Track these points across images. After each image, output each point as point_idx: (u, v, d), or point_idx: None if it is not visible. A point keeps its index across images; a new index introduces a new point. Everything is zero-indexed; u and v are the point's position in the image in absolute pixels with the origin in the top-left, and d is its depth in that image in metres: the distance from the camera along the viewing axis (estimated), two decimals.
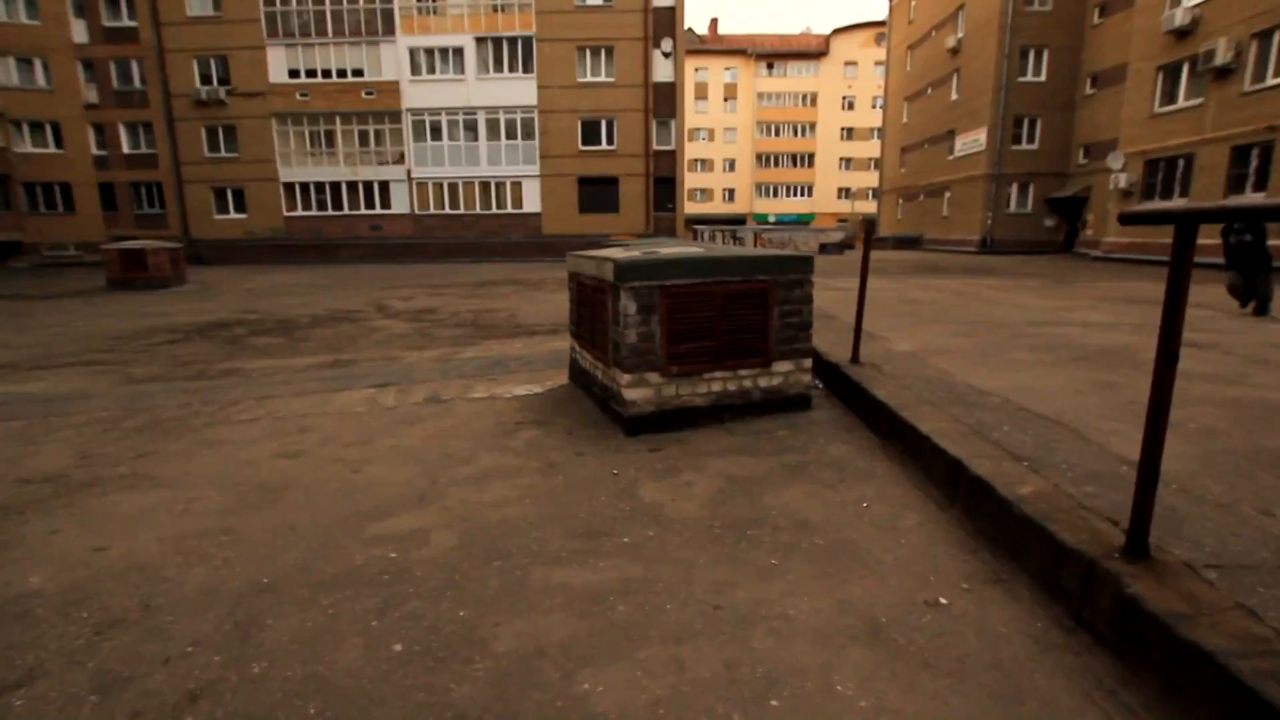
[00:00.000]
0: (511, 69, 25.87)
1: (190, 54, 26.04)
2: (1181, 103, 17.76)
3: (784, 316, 4.19)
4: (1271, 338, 5.96)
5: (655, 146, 26.96)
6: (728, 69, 59.02)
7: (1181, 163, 17.70)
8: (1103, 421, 3.37)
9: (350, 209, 27.34)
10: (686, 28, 56.79)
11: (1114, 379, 4.37)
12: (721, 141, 59.80)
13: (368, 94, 26.23)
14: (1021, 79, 25.82)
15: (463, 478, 3.37)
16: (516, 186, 27.04)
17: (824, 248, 24.78)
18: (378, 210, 27.35)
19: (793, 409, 4.33)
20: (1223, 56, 15.92)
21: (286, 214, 27.46)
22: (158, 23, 25.67)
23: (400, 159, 26.80)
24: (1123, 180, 19.35)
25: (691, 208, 52.78)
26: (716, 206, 59.89)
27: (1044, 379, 4.36)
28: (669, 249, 4.41)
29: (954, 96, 29.59)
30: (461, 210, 27.29)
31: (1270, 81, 15.20)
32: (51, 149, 26.90)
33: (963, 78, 28.77)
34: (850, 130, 59.49)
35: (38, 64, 26.13)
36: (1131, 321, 7.10)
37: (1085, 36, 25.09)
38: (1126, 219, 1.93)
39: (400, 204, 27.22)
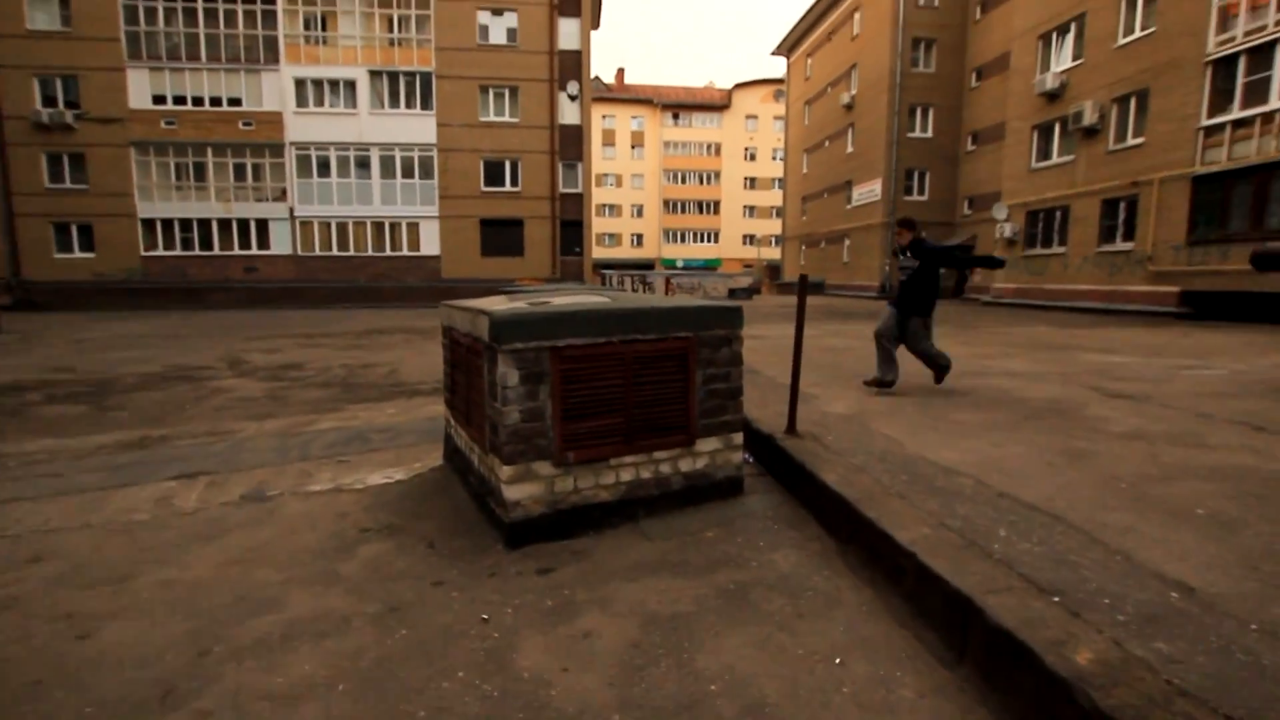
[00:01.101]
0: (409, 105, 24.71)
1: (30, 71, 23.11)
2: (1056, 159, 19.17)
3: (709, 382, 3.38)
4: (1195, 386, 5.82)
5: (562, 189, 26.42)
6: (635, 117, 60.31)
7: (1059, 214, 18.99)
8: (1104, 512, 2.74)
9: (222, 249, 24.83)
10: (593, 75, 57.70)
11: (1078, 444, 3.84)
12: (629, 187, 60.61)
13: (246, 125, 24.19)
14: (910, 134, 27.46)
15: (251, 642, 2.26)
16: (413, 227, 25.58)
17: (733, 293, 24.86)
18: (254, 251, 25.00)
19: (722, 497, 3.49)
20: (1089, 118, 17.30)
21: (145, 253, 24.56)
22: None
23: (282, 195, 24.75)
24: (1007, 229, 20.57)
25: (600, 252, 52.73)
26: (625, 251, 60.26)
27: (1005, 447, 3.77)
28: (565, 298, 3.53)
29: (850, 149, 31.14)
30: (351, 252, 25.44)
31: (1130, 142, 16.59)
32: None
33: (857, 132, 30.35)
34: (753, 180, 61.95)
35: None
36: (1055, 370, 6.88)
37: (965, 98, 27.12)
38: (1261, 261, 1.23)
39: (281, 244, 25.03)
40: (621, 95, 60.25)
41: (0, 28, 22.78)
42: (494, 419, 2.97)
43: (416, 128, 24.73)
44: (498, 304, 3.37)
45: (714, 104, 61.04)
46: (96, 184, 23.93)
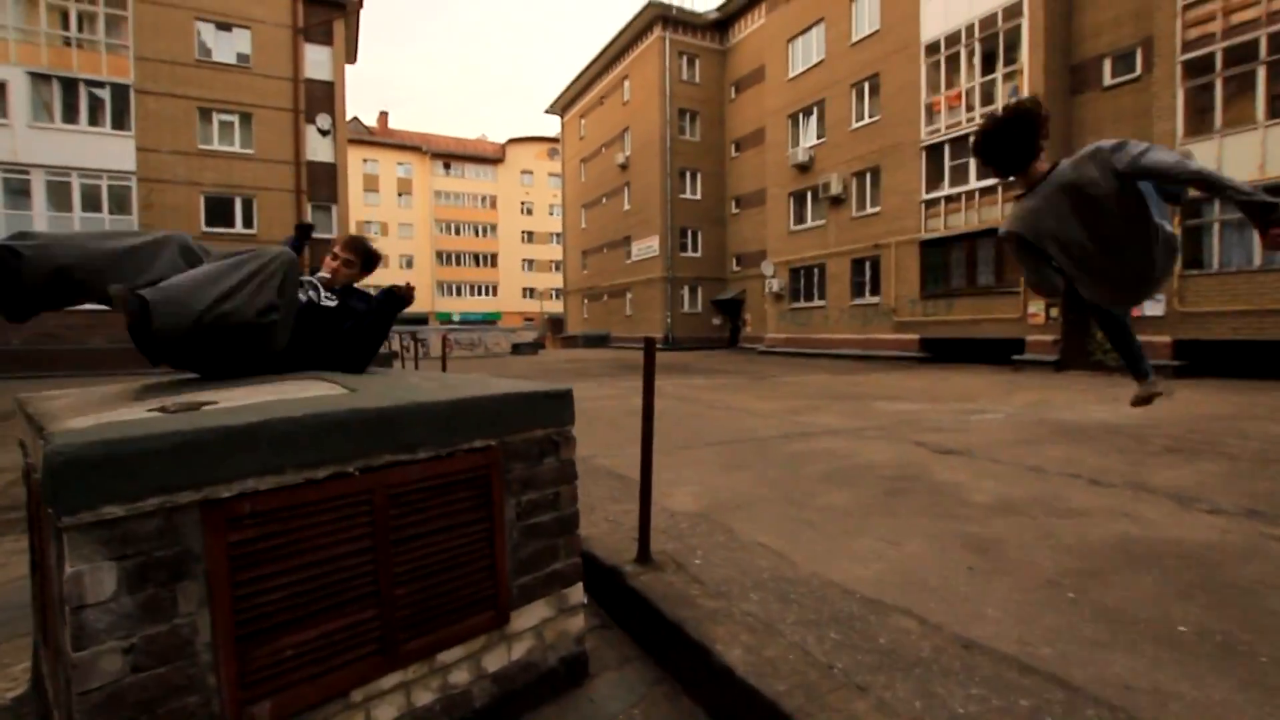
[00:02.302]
0: (94, 122, 19.82)
1: None
2: (810, 222, 21.36)
3: (527, 514, 2.08)
4: (992, 433, 5.91)
5: (315, 235, 23.14)
6: (401, 163, 57.19)
7: (816, 271, 21.06)
8: (1100, 653, 1.97)
9: None
10: (352, 117, 53.68)
11: (970, 530, 3.24)
12: (397, 236, 56.82)
13: None
14: (682, 196, 29.16)
15: None
16: None
17: (517, 348, 23.60)
18: None
19: (556, 693, 2.17)
20: (835, 189, 19.53)
21: None
22: None
23: None
24: (775, 285, 22.33)
25: None
26: (419, 305, 55.89)
27: (904, 545, 3.01)
28: (252, 391, 1.97)
29: (627, 206, 32.21)
30: None
31: (870, 210, 18.99)
32: None
33: (633, 190, 31.54)
34: (531, 234, 62.03)
35: None
36: (868, 425, 6.72)
37: (728, 165, 29.64)
38: None
39: None
40: (386, 140, 56.86)
41: None
42: (66, 672, 1.34)
43: (107, 150, 19.87)
44: (94, 407, 1.72)
45: (487, 156, 60.45)
46: None
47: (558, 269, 58.80)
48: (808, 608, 2.39)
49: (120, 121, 20.07)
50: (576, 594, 2.26)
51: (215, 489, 1.41)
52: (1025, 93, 14.49)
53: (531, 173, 61.90)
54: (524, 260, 61.72)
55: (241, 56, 21.86)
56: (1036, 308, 14.45)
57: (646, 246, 30.07)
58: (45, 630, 1.77)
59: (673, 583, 2.62)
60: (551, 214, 61.56)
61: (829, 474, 4.53)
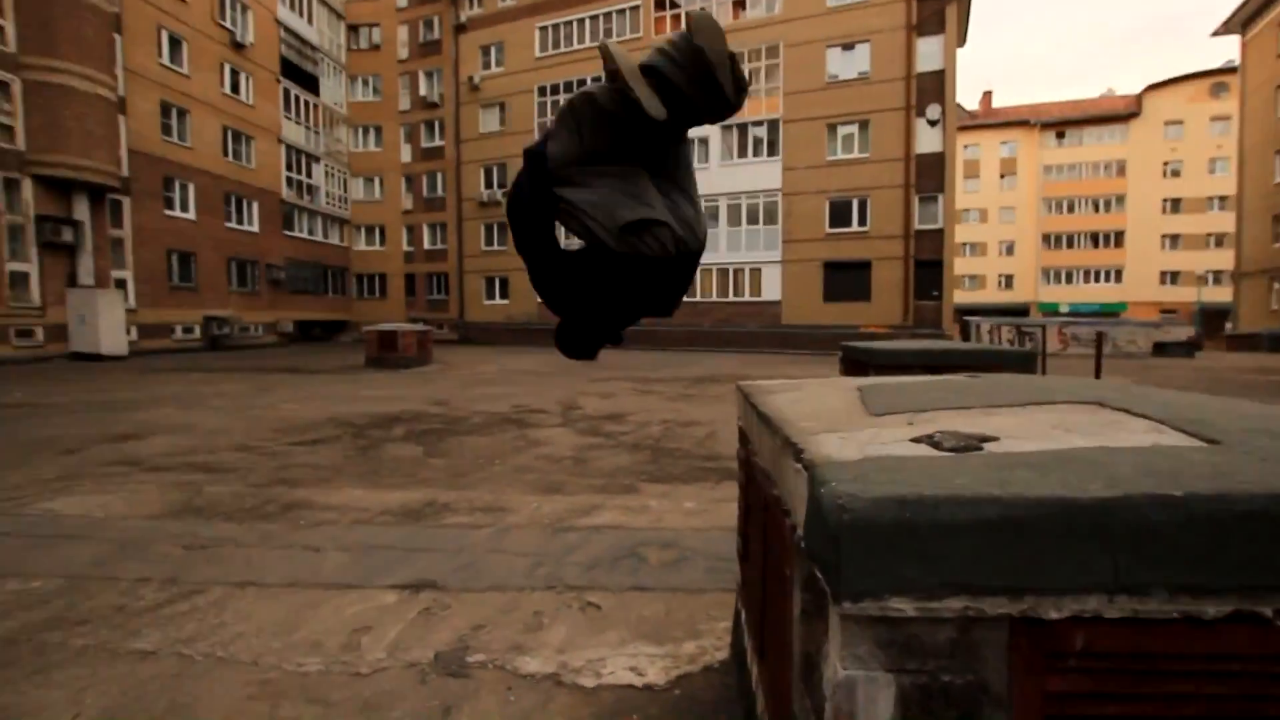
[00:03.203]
0: (756, 154, 24.41)
1: (478, 164, 29.56)
2: None
3: None
4: None
5: (917, 226, 22.97)
6: (1005, 142, 51.84)
7: None
8: None
9: None
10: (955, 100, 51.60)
11: None
12: (997, 222, 51.98)
13: None
14: None
15: None
16: (756, 273, 25.00)
17: (1161, 348, 17.99)
18: None
19: None
20: None
21: (539, 301, 28.91)
22: (458, 140, 29.73)
23: None
24: None
25: (960, 296, 45.68)
26: (990, 295, 51.59)
27: None
28: (1026, 422, 1.37)
29: None
30: (698, 298, 26.01)
31: None
32: (377, 247, 32.32)
33: None
34: (1176, 202, 47.45)
35: (376, 181, 31.93)
36: None
37: None
38: None
39: None
40: (988, 121, 52.42)
41: (465, 134, 29.67)
42: None
43: (763, 174, 24.24)
44: (834, 419, 1.39)
45: (1115, 114, 48.86)
46: (513, 245, 29.17)
47: (1219, 244, 43.36)
48: None
49: (773, 149, 24.09)
50: None
51: (1039, 602, 0.84)
52: None
53: (1181, 123, 46.99)
54: (1164, 237, 47.73)
55: (861, 67, 23.16)
56: None
57: None
58: (761, 647, 1.62)
59: None
60: (1213, 172, 45.54)
61: None
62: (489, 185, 29.45)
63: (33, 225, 17.31)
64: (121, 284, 19.91)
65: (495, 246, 29.65)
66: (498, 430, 7.72)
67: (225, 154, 24.15)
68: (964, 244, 50.81)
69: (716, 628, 2.73)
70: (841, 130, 23.54)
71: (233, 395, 10.92)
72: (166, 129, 21.54)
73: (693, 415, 8.91)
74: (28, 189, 17.16)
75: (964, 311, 29.34)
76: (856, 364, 4.89)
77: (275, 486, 5.09)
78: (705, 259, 25.66)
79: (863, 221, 23.41)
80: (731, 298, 25.47)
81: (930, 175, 22.89)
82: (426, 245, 31.35)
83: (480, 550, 3.69)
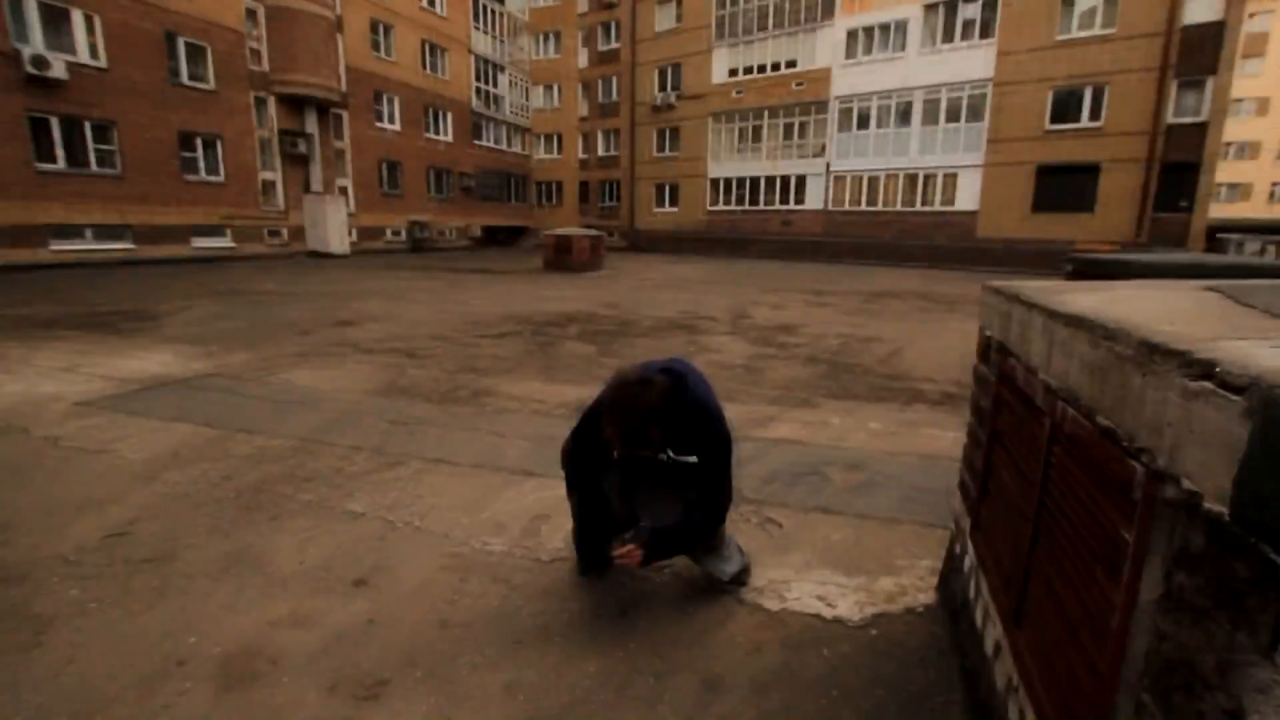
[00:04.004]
0: (965, 36, 20.73)
1: (652, 65, 28.47)
2: None
3: None
4: None
5: (1170, 119, 18.44)
6: None
7: None
8: None
9: (765, 204, 26.41)
10: None
11: None
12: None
13: (798, 85, 24.56)
14: None
15: None
16: (949, 179, 21.96)
17: None
18: (791, 206, 25.74)
19: None
20: None
21: (709, 208, 28.12)
22: (634, 40, 28.74)
23: (821, 151, 24.52)
24: None
25: (1213, 210, 36.81)
26: (1256, 208, 41.13)
27: None
28: None
29: None
30: (879, 207, 23.61)
31: None
32: (554, 155, 33.10)
33: None
34: None
35: (555, 89, 32.23)
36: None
37: None
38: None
39: (814, 199, 25.05)
40: None
41: (640, 34, 28.56)
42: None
43: (969, 63, 20.64)
44: (1229, 331, 0.90)
45: None
46: (683, 151, 28.29)
47: None
48: None
49: (986, 31, 20.33)
50: None
51: None
52: None
53: None
54: None
55: None
56: None
57: None
58: (1021, 607, 1.23)
59: None
60: None
61: None
62: (662, 88, 28.40)
63: (276, 139, 19.83)
64: (344, 191, 22.43)
65: (667, 152, 28.96)
66: (667, 334, 7.62)
67: (424, 67, 25.56)
68: (1227, 144, 40.36)
69: (918, 565, 2.36)
70: (1081, 1, 19.09)
71: (430, 291, 11.95)
72: (375, 45, 23.14)
73: (873, 331, 8.14)
74: (272, 106, 19.55)
75: (1217, 230, 23.27)
76: (1092, 279, 3.93)
77: (465, 374, 5.42)
78: (893, 163, 22.97)
79: (1095, 115, 19.26)
80: (919, 206, 22.75)
81: (1199, 53, 17.95)
82: (600, 152, 31.48)
83: None
